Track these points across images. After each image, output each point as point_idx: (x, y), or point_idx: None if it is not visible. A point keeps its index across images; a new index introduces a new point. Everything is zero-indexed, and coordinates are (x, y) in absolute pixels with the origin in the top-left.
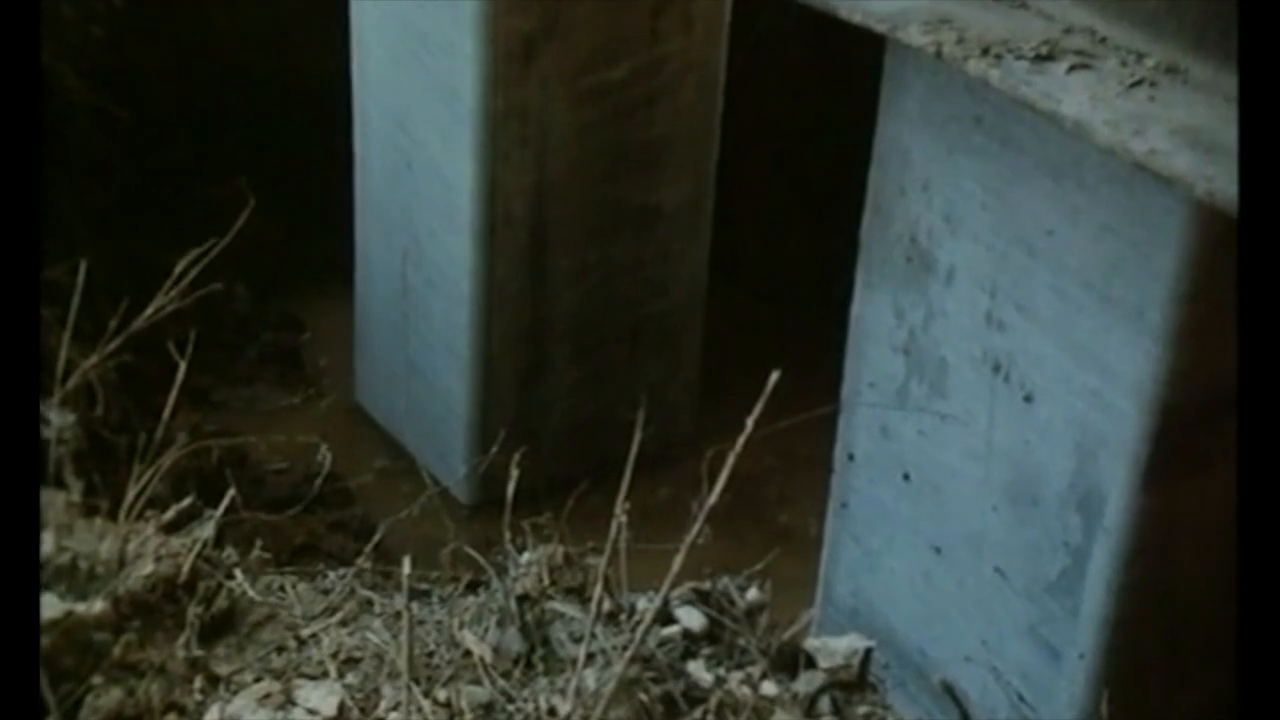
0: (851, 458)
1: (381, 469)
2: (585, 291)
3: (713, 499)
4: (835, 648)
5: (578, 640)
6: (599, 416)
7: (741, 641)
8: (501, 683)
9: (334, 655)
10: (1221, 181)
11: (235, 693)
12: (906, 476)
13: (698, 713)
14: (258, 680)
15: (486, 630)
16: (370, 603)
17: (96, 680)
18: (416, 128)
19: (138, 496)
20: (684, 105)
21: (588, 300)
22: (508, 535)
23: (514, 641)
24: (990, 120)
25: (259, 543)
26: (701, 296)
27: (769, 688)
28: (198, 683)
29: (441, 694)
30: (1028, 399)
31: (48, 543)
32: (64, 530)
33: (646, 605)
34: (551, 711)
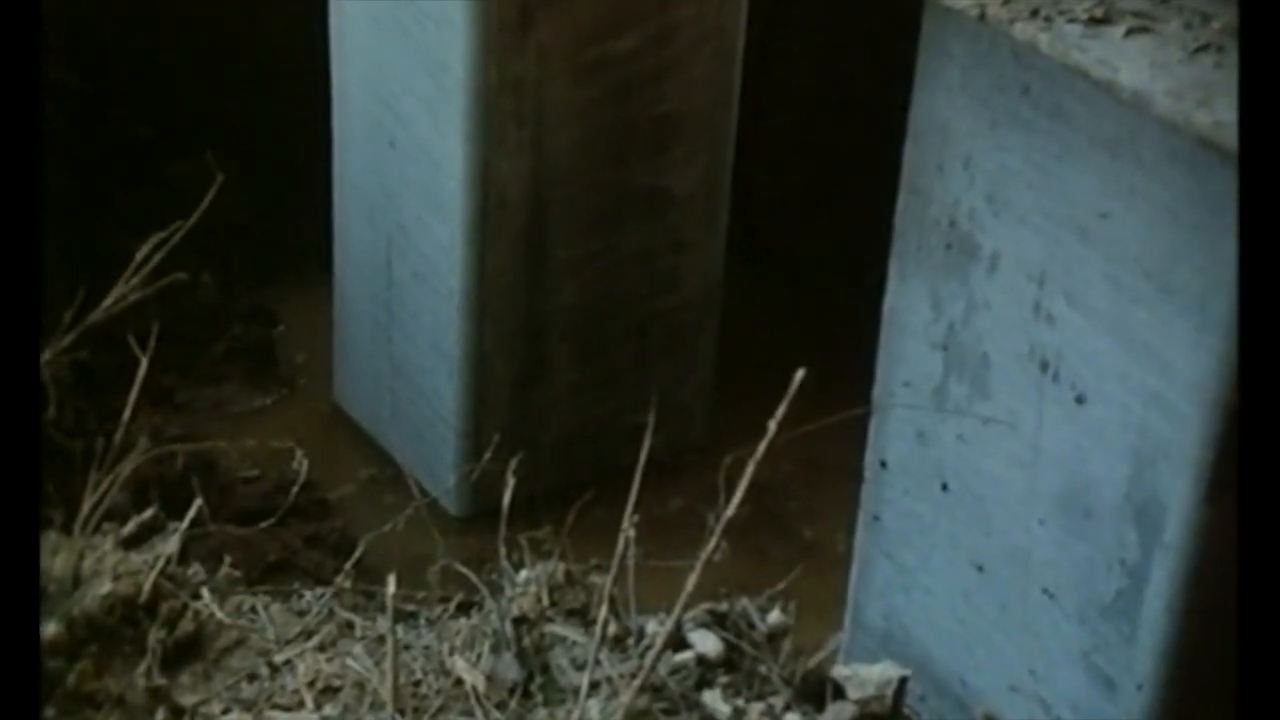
0: (884, 465)
1: (363, 478)
2: (588, 285)
3: (730, 511)
4: (866, 676)
5: (580, 667)
6: (603, 423)
7: (762, 669)
8: (496, 714)
9: (310, 684)
10: None
11: None
12: (945, 486)
13: None
14: (226, 711)
15: (479, 656)
16: (351, 626)
17: (49, 712)
18: (401, 104)
19: (94, 508)
20: (698, 78)
21: (591, 295)
22: (503, 551)
23: (510, 669)
24: (1039, 90)
25: (228, 559)
26: (717, 289)
27: None
28: (160, 714)
29: None
30: (1079, 400)
31: None
32: None
33: (657, 628)
34: None
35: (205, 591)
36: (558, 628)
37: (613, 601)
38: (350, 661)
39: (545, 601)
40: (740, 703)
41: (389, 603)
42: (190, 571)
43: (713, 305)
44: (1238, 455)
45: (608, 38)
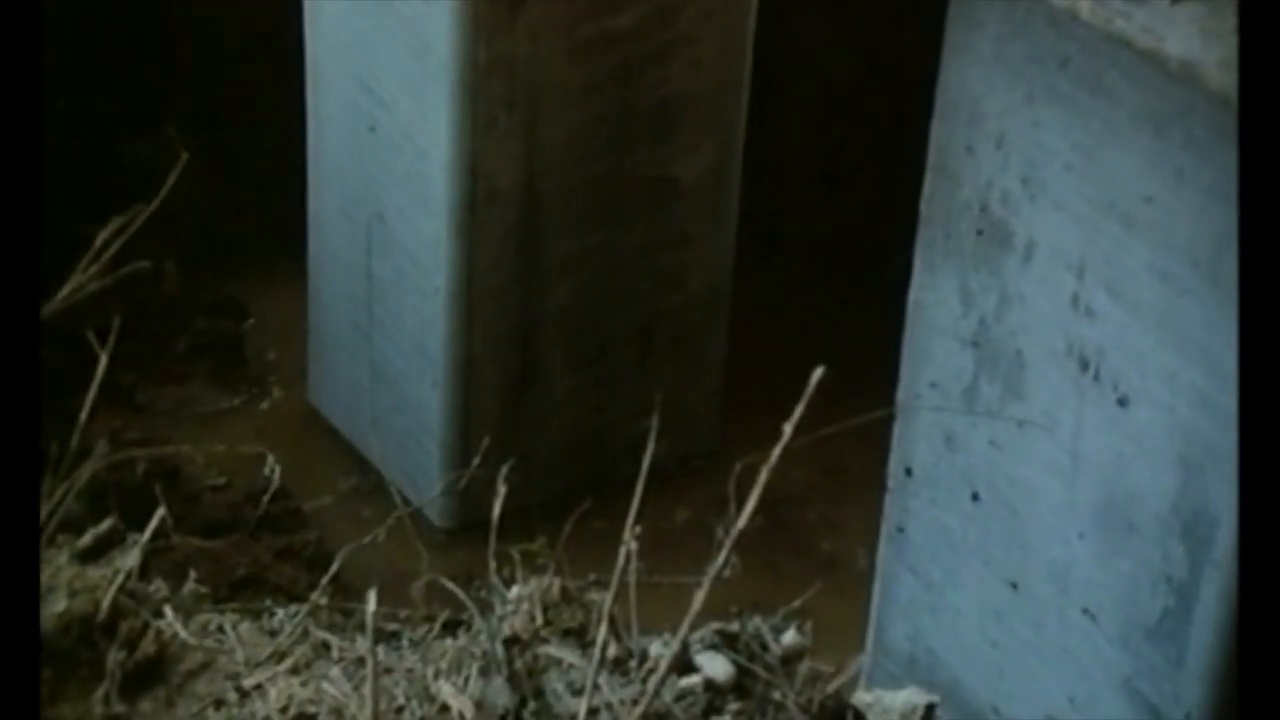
0: (909, 473)
1: (341, 487)
2: (585, 283)
3: (741, 522)
4: (890, 703)
5: (578, 693)
6: (602, 434)
7: (776, 695)
8: None
9: (283, 710)
10: None
11: None
12: (975, 496)
13: None
14: None
15: (467, 680)
16: (327, 646)
17: None
18: (381, 85)
19: (48, 518)
20: (704, 57)
21: (588, 294)
22: (493, 565)
23: (500, 694)
24: (1079, 62)
25: (193, 574)
26: (726, 287)
27: None
28: None
29: None
30: (1122, 402)
31: None
32: None
33: (661, 650)
34: None
35: (168, 609)
36: (553, 649)
37: (613, 621)
38: (326, 686)
39: (539, 621)
40: None
41: (369, 621)
42: (152, 588)
43: (721, 303)
44: (1240, 451)
45: (606, 14)
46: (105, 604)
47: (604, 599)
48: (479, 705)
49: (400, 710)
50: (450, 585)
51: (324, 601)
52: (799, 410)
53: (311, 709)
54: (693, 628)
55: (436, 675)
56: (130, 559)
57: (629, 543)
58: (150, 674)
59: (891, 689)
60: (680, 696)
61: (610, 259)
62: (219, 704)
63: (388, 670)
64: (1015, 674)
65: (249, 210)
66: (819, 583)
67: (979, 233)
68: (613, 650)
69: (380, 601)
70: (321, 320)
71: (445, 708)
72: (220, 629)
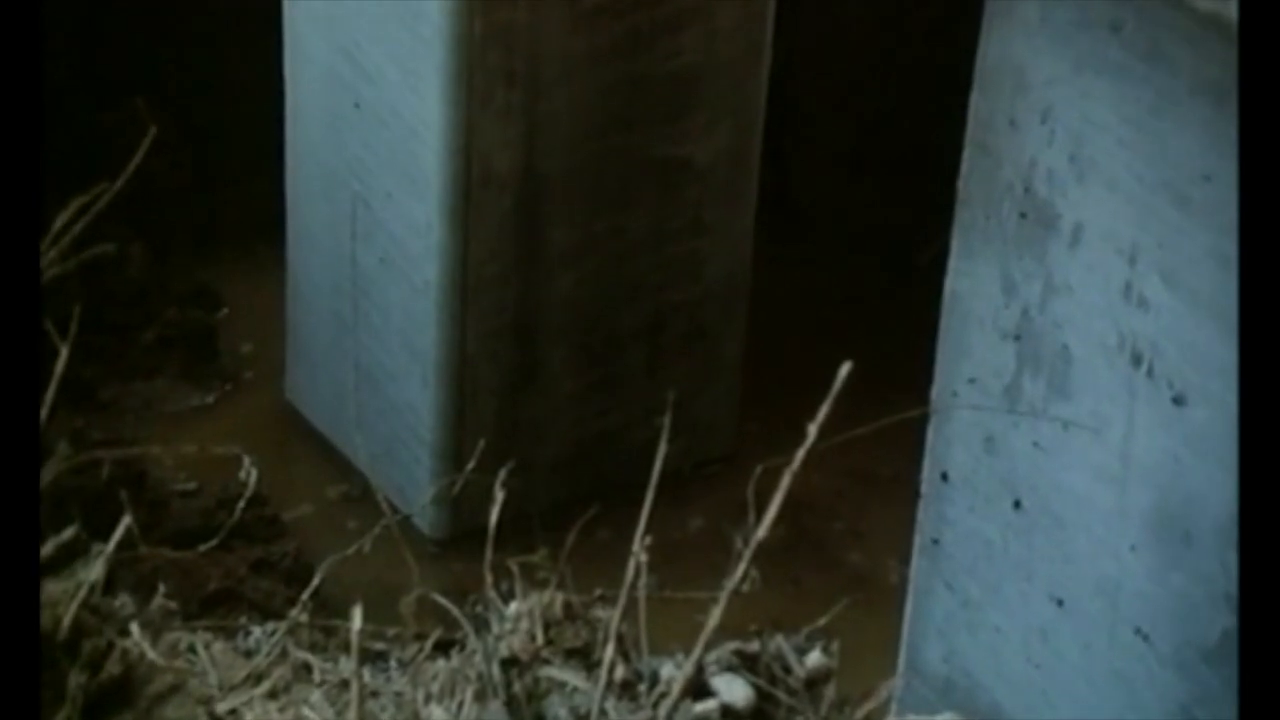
0: (944, 478)
1: (322, 492)
2: (590, 274)
3: (761, 532)
4: None
5: (583, 718)
6: (609, 437)
7: None
8: None
9: None
10: None
11: None
12: (1017, 503)
13: None
14: None
15: (461, 705)
16: (308, 668)
17: None
18: (367, 56)
19: None
20: (721, 28)
21: (594, 286)
22: (489, 579)
23: (498, 719)
24: (1132, 27)
25: (162, 588)
26: (746, 276)
27: None
28: None
29: None
30: (1177, 400)
31: None
32: None
33: (673, 672)
34: None
35: (135, 627)
36: (555, 671)
37: (621, 640)
38: (307, 711)
39: (540, 640)
40: None
41: (353, 641)
42: (118, 603)
43: (738, 295)
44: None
45: None
46: (66, 620)
47: (611, 616)
48: None
49: None
50: (443, 601)
51: (304, 619)
52: (824, 410)
53: None
54: (708, 647)
55: (427, 699)
56: (94, 571)
57: (638, 554)
58: (115, 697)
59: (926, 715)
60: None
61: (618, 248)
62: None
63: (374, 694)
64: (1061, 699)
65: (223, 190)
66: (846, 598)
67: (1022, 215)
68: (620, 672)
69: (366, 619)
70: (301, 312)
71: None
72: (191, 648)
